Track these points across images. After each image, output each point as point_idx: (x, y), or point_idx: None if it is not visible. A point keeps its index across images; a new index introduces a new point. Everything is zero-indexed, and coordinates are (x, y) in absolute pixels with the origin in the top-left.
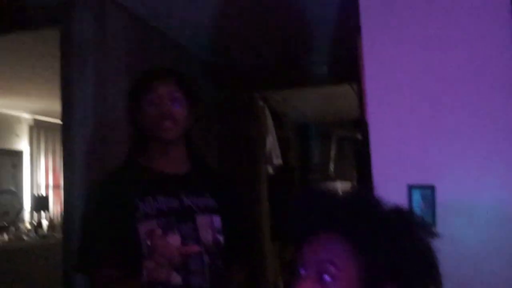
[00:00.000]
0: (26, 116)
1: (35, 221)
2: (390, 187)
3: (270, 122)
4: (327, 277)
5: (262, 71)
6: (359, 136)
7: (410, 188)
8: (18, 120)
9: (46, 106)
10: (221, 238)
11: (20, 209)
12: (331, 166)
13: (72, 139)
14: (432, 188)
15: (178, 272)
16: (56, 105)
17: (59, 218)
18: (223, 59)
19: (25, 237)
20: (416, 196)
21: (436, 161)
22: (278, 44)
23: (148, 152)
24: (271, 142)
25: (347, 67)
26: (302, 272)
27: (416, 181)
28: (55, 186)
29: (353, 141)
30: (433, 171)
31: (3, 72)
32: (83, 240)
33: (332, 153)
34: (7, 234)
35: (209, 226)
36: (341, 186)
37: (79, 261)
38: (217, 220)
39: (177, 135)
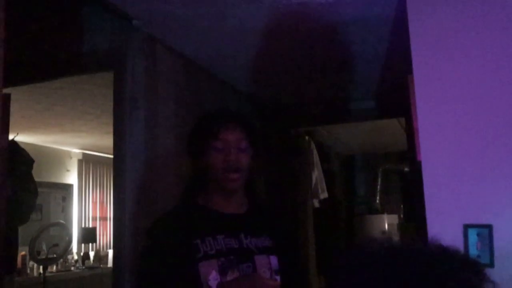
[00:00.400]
0: (76, 151)
1: (82, 252)
2: (445, 226)
3: (316, 156)
4: None
5: (307, 106)
6: (405, 169)
7: (466, 227)
8: (68, 155)
9: (95, 141)
10: (278, 278)
11: (69, 241)
12: (377, 199)
13: (122, 174)
14: (489, 227)
15: None
16: (103, 140)
17: (106, 250)
18: (268, 95)
19: (73, 268)
20: (473, 235)
21: (493, 200)
22: (324, 80)
23: (207, 192)
24: (317, 175)
25: (394, 102)
26: None
27: (472, 221)
28: (102, 218)
29: (399, 174)
30: (490, 210)
31: (56, 111)
32: (142, 279)
33: (378, 185)
34: (56, 265)
35: (267, 266)
36: (387, 219)
37: None
38: (274, 261)
39: (241, 184)
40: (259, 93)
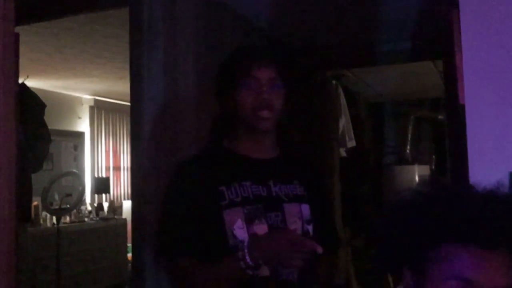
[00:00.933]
0: (88, 97)
1: (96, 203)
2: (489, 174)
3: (343, 101)
4: None
5: (336, 48)
6: (439, 117)
7: None
8: (79, 101)
9: (107, 86)
10: (310, 228)
11: (83, 191)
12: (408, 149)
13: (140, 120)
14: None
15: (266, 264)
16: (117, 86)
17: (120, 201)
18: (294, 36)
19: (86, 219)
20: None
21: None
22: (353, 20)
23: (234, 135)
24: (344, 123)
25: (431, 43)
26: None
27: None
28: (116, 168)
29: (432, 122)
30: None
31: (66, 54)
32: (164, 225)
33: (409, 134)
34: (69, 216)
35: (298, 215)
36: (418, 170)
37: (161, 246)
38: (306, 209)
39: (273, 125)
40: (285, 34)
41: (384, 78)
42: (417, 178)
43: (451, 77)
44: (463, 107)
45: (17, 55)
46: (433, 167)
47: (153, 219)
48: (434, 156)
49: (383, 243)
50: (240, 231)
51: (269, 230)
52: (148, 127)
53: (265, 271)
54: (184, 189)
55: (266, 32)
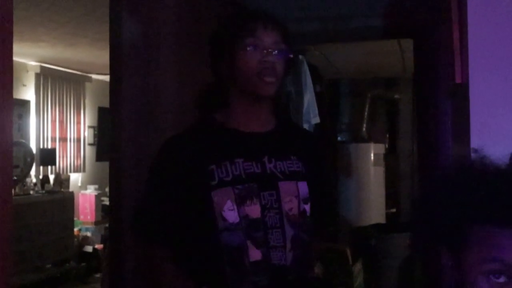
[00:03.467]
0: (33, 63)
1: (41, 175)
2: (491, 155)
3: (308, 77)
4: None
5: (302, 23)
6: (395, 96)
7: None
8: (24, 67)
9: (56, 53)
10: (307, 207)
11: (31, 162)
12: (364, 127)
13: (120, 93)
14: None
15: (258, 247)
16: (66, 52)
17: (67, 173)
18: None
19: (32, 192)
20: None
21: None
22: None
23: (227, 106)
24: (309, 99)
25: (403, 21)
26: (502, 280)
27: None
28: (62, 139)
29: (386, 101)
30: None
31: (15, 16)
32: (145, 209)
33: (365, 113)
34: (14, 189)
35: (294, 194)
36: (374, 148)
37: (135, 223)
38: (303, 187)
39: (275, 92)
40: (253, 6)
41: (345, 55)
42: (372, 157)
43: (424, 57)
44: (459, 86)
45: None
46: (387, 145)
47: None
48: (387, 135)
49: (424, 219)
50: (230, 213)
51: (262, 210)
52: (128, 101)
53: (256, 255)
54: (170, 170)
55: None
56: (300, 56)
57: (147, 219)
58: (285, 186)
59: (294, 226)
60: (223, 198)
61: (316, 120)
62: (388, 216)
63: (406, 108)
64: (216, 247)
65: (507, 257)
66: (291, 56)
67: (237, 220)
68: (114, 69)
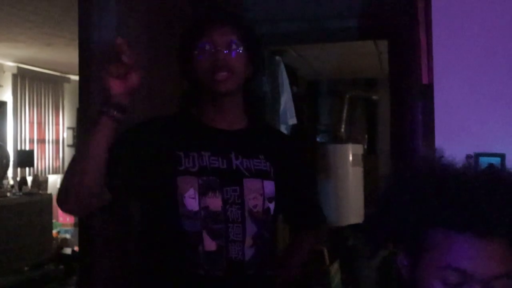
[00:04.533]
0: (10, 64)
1: (18, 177)
2: (455, 155)
3: (285, 78)
4: None
5: (279, 24)
6: (373, 97)
7: (478, 156)
8: (1, 68)
9: (33, 53)
10: (271, 206)
11: (7, 164)
12: (343, 127)
13: (89, 93)
14: (502, 157)
15: (213, 239)
16: (43, 53)
17: (45, 175)
18: (238, 9)
19: (9, 194)
20: (484, 165)
21: (507, 128)
22: None
23: (200, 104)
24: (286, 99)
25: (379, 22)
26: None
27: (484, 149)
28: (40, 141)
29: (365, 102)
30: (503, 139)
31: None
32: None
33: (344, 113)
34: None
35: (259, 191)
36: (352, 149)
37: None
38: (269, 186)
39: (233, 87)
40: (230, 6)
41: (323, 56)
42: (350, 158)
43: (398, 58)
44: (425, 87)
45: None
46: (366, 146)
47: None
48: (366, 136)
49: (381, 216)
50: (190, 200)
51: (223, 205)
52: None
53: (211, 246)
54: (142, 138)
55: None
56: (277, 57)
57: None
58: (250, 183)
59: (257, 223)
60: (186, 185)
61: (293, 121)
62: (365, 216)
63: (384, 108)
64: (175, 230)
65: (463, 265)
66: (248, 51)
67: (197, 209)
68: (83, 71)
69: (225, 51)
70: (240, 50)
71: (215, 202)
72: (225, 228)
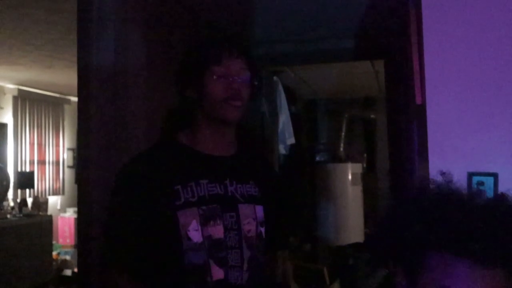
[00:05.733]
0: (11, 86)
1: (19, 198)
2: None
3: (283, 98)
4: None
5: (277, 45)
6: (371, 116)
7: (471, 175)
8: (2, 90)
9: (33, 75)
10: (263, 230)
11: (7, 186)
12: (341, 147)
13: (89, 115)
14: (495, 176)
15: (221, 267)
16: (43, 75)
17: (45, 196)
18: (237, 30)
19: (9, 216)
20: (475, 184)
21: (500, 147)
22: (296, 16)
23: (193, 130)
24: (284, 119)
25: (372, 43)
26: None
27: (477, 169)
28: (41, 162)
29: (363, 121)
30: (496, 158)
31: None
32: (109, 236)
33: (343, 133)
34: None
35: (252, 216)
36: (351, 168)
37: (105, 256)
38: (260, 211)
39: (242, 116)
40: (228, 27)
41: (320, 76)
42: (350, 177)
43: (393, 77)
44: (419, 107)
45: None
46: (365, 165)
47: (100, 218)
48: (365, 155)
49: (381, 235)
50: (195, 233)
51: (224, 231)
52: (96, 123)
53: (219, 274)
54: (132, 194)
55: (216, 27)
56: (275, 78)
57: (115, 246)
58: (244, 209)
59: (251, 247)
60: (188, 218)
61: (291, 140)
62: (367, 235)
63: (383, 127)
64: (180, 266)
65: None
66: (256, 82)
67: (201, 240)
68: (82, 94)
69: (240, 81)
70: (249, 80)
71: (217, 230)
72: (225, 254)
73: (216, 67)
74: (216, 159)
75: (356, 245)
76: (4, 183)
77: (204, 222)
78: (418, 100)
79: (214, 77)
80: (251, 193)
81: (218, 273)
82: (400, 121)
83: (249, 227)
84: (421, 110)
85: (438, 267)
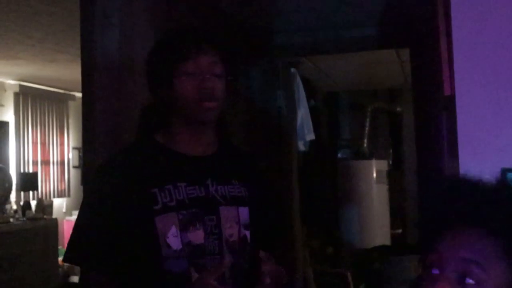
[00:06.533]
0: (12, 82)
1: (22, 201)
2: (481, 170)
3: (302, 91)
4: (469, 280)
5: (294, 34)
6: (397, 109)
7: (505, 171)
8: (2, 87)
9: (35, 70)
10: (248, 233)
11: (9, 188)
12: (365, 142)
13: (94, 112)
14: None
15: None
16: (46, 70)
17: (50, 199)
18: (253, 18)
19: (12, 220)
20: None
21: None
22: (315, 3)
23: (169, 129)
24: (303, 114)
25: (397, 30)
26: (436, 272)
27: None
28: (44, 162)
29: (388, 114)
30: None
31: None
32: (79, 230)
33: (366, 127)
34: None
35: (234, 220)
36: (376, 165)
37: (70, 252)
38: (244, 213)
39: (217, 116)
40: (244, 16)
41: (341, 66)
42: (374, 174)
43: (420, 67)
44: (448, 98)
45: None
46: (390, 161)
47: None
48: (391, 150)
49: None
50: (174, 239)
51: (205, 235)
52: (101, 120)
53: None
54: (108, 191)
55: (227, 16)
56: (292, 69)
57: (84, 244)
58: (226, 211)
59: (233, 252)
60: (167, 224)
61: (311, 136)
62: (393, 237)
63: (410, 121)
64: (158, 274)
65: (442, 249)
66: (230, 77)
67: (180, 246)
68: (87, 89)
69: (211, 78)
70: (224, 76)
71: (197, 235)
72: (206, 261)
73: (184, 64)
74: (194, 160)
75: (382, 248)
76: (6, 185)
77: (183, 227)
78: (447, 91)
79: (183, 76)
80: (234, 194)
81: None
82: (428, 114)
83: (231, 231)
84: (451, 102)
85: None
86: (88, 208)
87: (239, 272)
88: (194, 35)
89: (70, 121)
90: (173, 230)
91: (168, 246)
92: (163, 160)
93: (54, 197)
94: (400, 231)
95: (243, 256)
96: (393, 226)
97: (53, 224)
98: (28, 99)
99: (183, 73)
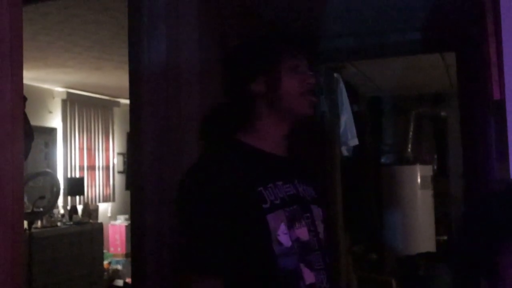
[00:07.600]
0: (60, 89)
1: (69, 206)
2: None
3: (345, 96)
4: None
5: (337, 39)
6: (442, 113)
7: None
8: (50, 94)
9: (82, 78)
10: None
11: (57, 192)
12: (409, 147)
13: (140, 118)
14: None
15: (312, 270)
16: (92, 77)
17: (95, 203)
18: (296, 24)
19: (59, 224)
20: None
21: None
22: (358, 8)
23: (255, 128)
24: (346, 119)
25: (444, 34)
26: None
27: None
28: (90, 167)
29: (433, 119)
30: None
31: (40, 41)
32: (194, 240)
33: (410, 132)
34: (41, 220)
35: (320, 218)
36: (420, 171)
37: (188, 259)
38: (324, 213)
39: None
40: (285, 21)
41: (385, 71)
42: (419, 180)
43: (466, 71)
44: (497, 102)
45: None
46: (435, 167)
47: (154, 225)
48: (436, 156)
49: (463, 248)
50: (284, 236)
51: (309, 232)
52: (148, 126)
53: (311, 278)
54: (215, 195)
55: (269, 22)
56: (336, 74)
57: (200, 250)
58: (315, 210)
59: (323, 250)
60: (277, 222)
61: (354, 142)
62: (438, 243)
63: (455, 126)
64: (272, 273)
65: None
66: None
67: (290, 243)
68: (134, 95)
69: (313, 76)
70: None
71: (303, 232)
72: (313, 257)
73: (291, 60)
74: (283, 160)
75: (427, 255)
76: (55, 189)
77: (291, 224)
78: (496, 95)
79: (289, 71)
80: (313, 195)
81: (309, 277)
82: (475, 118)
83: (319, 229)
84: (500, 106)
85: None
86: (199, 213)
87: (329, 266)
88: (291, 37)
89: (115, 127)
90: (283, 227)
91: (280, 243)
92: (259, 160)
93: (99, 201)
94: (445, 237)
95: (328, 252)
96: (438, 232)
97: (99, 229)
98: (75, 106)
99: (289, 68)
